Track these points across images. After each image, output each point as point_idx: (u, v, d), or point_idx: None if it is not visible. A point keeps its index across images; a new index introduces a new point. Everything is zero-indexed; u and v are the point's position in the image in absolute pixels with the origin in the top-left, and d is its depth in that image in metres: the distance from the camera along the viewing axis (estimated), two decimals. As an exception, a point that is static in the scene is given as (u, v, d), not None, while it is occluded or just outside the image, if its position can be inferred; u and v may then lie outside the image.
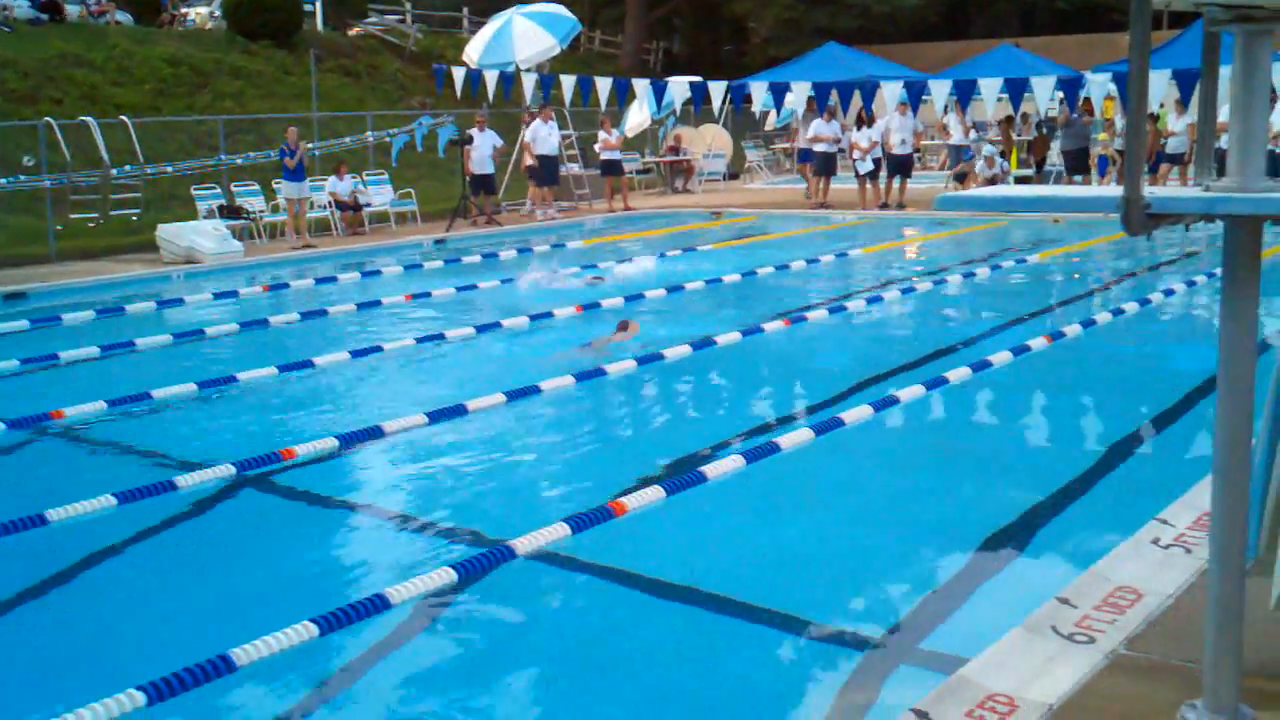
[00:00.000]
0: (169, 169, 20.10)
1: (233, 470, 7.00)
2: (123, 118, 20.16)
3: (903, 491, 6.86)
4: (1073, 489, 6.57)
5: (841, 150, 23.45)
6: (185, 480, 6.80)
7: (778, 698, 4.47)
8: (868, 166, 22.70)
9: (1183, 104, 20.87)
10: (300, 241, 18.97)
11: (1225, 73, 3.25)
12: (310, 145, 19.21)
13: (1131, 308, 11.64)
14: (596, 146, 23.72)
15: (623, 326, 11.46)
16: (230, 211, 19.26)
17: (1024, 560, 5.65)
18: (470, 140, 21.22)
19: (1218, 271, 3.27)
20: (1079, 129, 22.40)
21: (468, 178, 21.48)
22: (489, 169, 21.65)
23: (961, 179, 23.75)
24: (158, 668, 4.27)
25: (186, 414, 8.92)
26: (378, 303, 13.41)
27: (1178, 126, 21.43)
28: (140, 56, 26.63)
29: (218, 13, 33.12)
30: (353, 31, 36.04)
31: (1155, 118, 21.82)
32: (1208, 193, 3.14)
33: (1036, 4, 44.66)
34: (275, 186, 20.17)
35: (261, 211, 19.88)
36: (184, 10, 35.22)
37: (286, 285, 15.13)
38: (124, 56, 26.37)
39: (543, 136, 21.99)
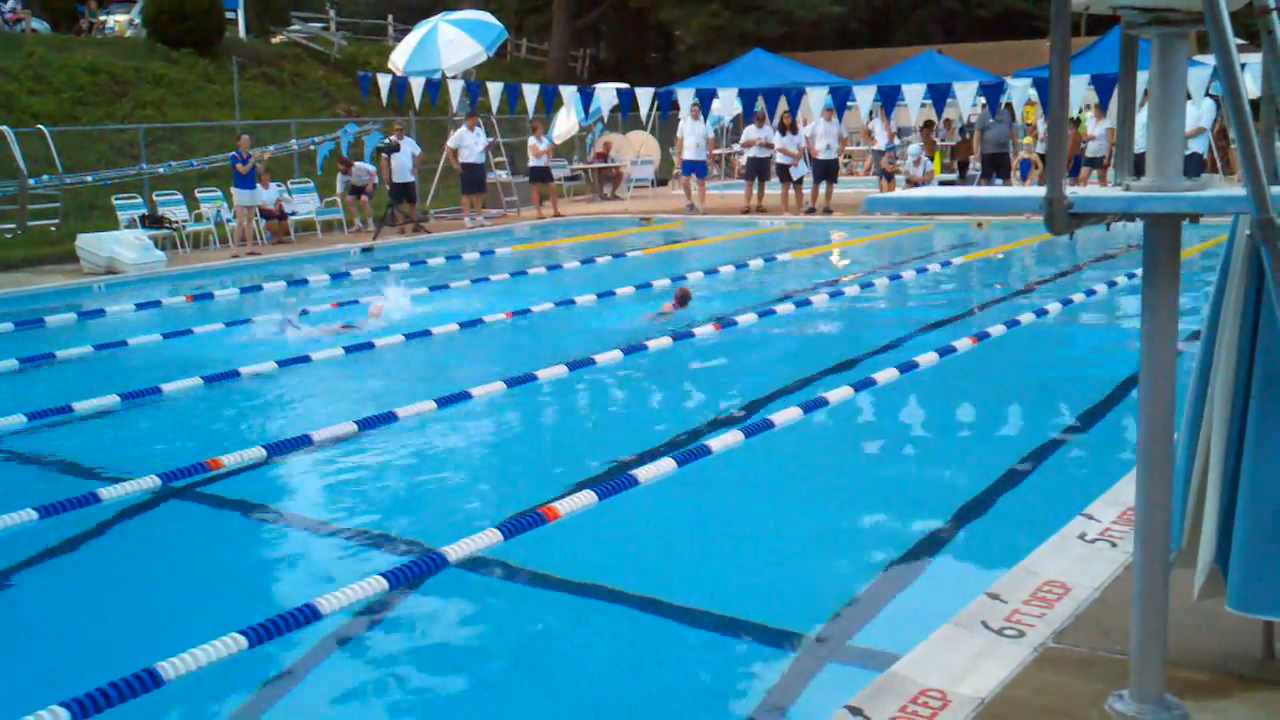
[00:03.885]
0: (88, 179, 19.76)
1: (157, 482, 6.88)
2: (40, 127, 19.81)
3: (833, 492, 6.91)
4: (1000, 486, 6.66)
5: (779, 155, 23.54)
6: (109, 492, 6.67)
7: (713, 698, 4.48)
8: (801, 171, 22.88)
9: (1102, 108, 21.27)
10: (246, 249, 18.76)
11: (1142, 76, 3.32)
12: (231, 153, 18.99)
13: (1055, 308, 11.82)
14: (531, 155, 23.66)
15: (680, 296, 12.21)
16: (152, 221, 18.96)
17: (954, 557, 5.71)
18: (397, 148, 21.11)
19: (1138, 272, 3.33)
20: (998, 133, 22.74)
21: (388, 187, 21.40)
22: (408, 178, 21.56)
23: (889, 177, 24.05)
24: (82, 683, 4.18)
25: (110, 426, 8.77)
26: (304, 311, 13.27)
27: (1097, 131, 21.83)
28: (58, 64, 26.14)
29: (138, 20, 32.61)
30: (276, 39, 35.66)
31: (1076, 122, 22.21)
32: (1128, 192, 3.20)
33: (958, 11, 45.29)
34: (200, 196, 19.94)
35: (185, 221, 19.59)
36: (103, 18, 34.64)
37: (210, 295, 14.91)
38: (40, 65, 25.89)
39: (468, 144, 21.92)
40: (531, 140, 23.33)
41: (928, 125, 25.57)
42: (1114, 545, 4.92)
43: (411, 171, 21.57)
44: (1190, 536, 3.71)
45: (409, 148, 21.45)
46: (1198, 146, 18.75)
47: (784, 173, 23.04)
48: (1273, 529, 3.43)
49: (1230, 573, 3.54)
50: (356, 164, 21.45)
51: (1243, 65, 2.95)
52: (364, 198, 21.62)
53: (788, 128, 22.71)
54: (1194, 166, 17.88)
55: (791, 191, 23.00)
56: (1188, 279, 3.57)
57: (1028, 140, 23.98)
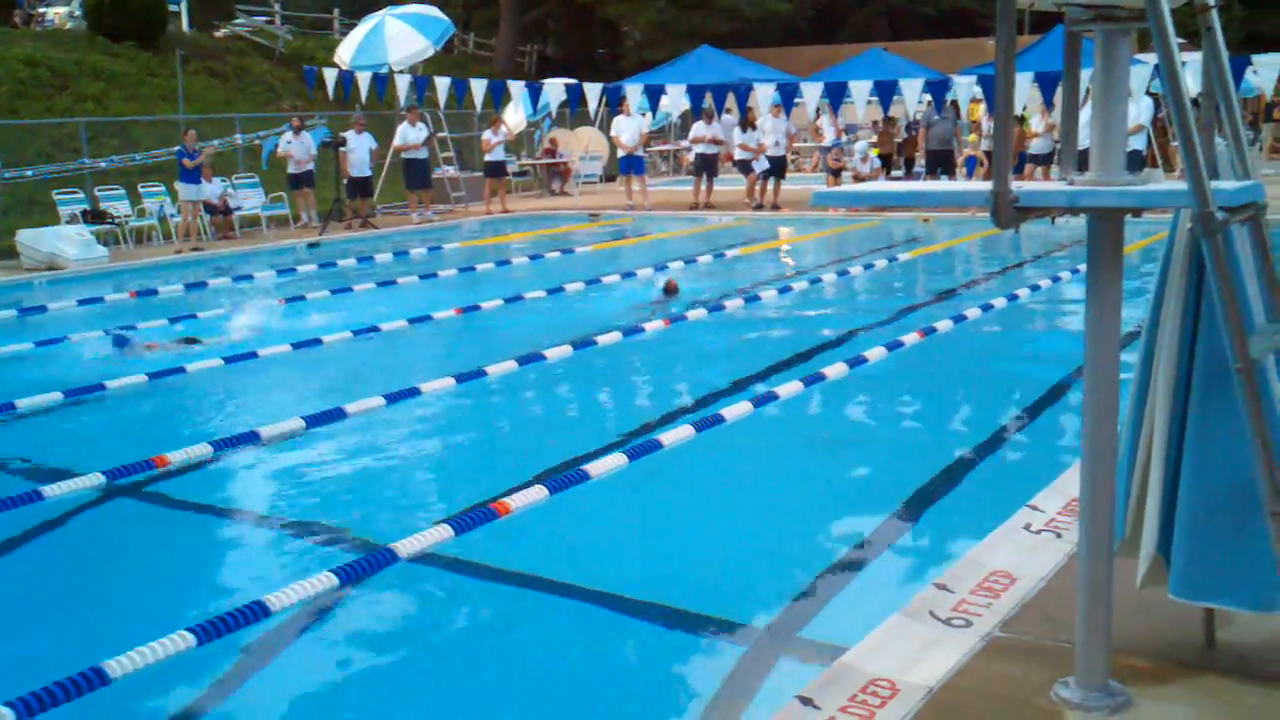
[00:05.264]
0: (28, 173, 19.48)
1: (103, 479, 6.80)
2: (-22, 120, 19.49)
3: (782, 486, 6.96)
4: (946, 479, 6.72)
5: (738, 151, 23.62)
6: (52, 490, 6.58)
7: (664, 690, 4.50)
8: (764, 165, 22.95)
9: (1046, 106, 21.51)
10: (190, 245, 18.60)
11: (1085, 74, 3.37)
12: (177, 148, 18.80)
13: (1000, 302, 11.94)
14: (484, 149, 23.52)
15: (667, 287, 12.88)
16: (94, 216, 18.71)
17: (902, 548, 5.77)
18: (344, 143, 21.00)
19: (1082, 267, 3.39)
20: (942, 129, 22.91)
21: (344, 180, 21.27)
22: (366, 172, 21.49)
23: (835, 173, 24.17)
24: (26, 683, 4.13)
25: (53, 423, 8.65)
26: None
27: (1041, 128, 22.08)
28: (-5, 57, 25.69)
29: (78, 12, 32.10)
30: (220, 33, 35.21)
31: (1021, 119, 22.44)
32: (1072, 187, 3.25)
33: (904, 9, 45.61)
34: (143, 191, 19.70)
35: (127, 216, 19.36)
36: (41, 10, 34.08)
37: (155, 291, 14.73)
38: (-22, 57, 25.44)
39: (411, 139, 21.81)
40: (487, 134, 23.24)
41: (887, 122, 25.76)
42: (1059, 536, 4.99)
43: (369, 166, 21.51)
44: (1133, 526, 3.77)
45: (366, 142, 21.35)
46: (1137, 143, 19.05)
47: (745, 168, 23.14)
48: (1212, 518, 3.50)
49: (1172, 561, 3.61)
50: (304, 133, 21.17)
51: (1183, 63, 3.01)
52: (307, 190, 21.46)
53: (749, 124, 22.81)
54: (1134, 163, 18.16)
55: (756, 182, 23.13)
56: (1130, 273, 3.63)
57: (972, 138, 24.20)
